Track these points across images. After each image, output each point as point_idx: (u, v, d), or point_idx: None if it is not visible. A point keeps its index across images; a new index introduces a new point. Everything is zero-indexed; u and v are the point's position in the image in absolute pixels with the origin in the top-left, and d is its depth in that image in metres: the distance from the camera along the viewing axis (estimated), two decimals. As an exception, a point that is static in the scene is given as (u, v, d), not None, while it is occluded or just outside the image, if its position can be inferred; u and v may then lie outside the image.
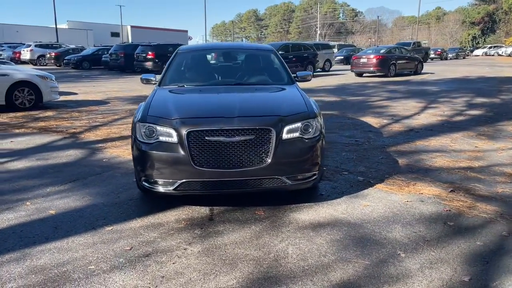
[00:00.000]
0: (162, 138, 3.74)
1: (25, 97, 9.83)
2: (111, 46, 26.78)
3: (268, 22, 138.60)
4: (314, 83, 17.31)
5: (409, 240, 3.29)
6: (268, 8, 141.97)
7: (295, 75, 5.30)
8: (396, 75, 20.63)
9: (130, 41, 73.56)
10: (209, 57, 5.72)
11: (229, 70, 5.45)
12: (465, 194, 4.28)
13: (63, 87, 15.24)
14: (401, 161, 5.49)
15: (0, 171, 5.15)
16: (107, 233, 3.43)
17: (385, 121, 8.42)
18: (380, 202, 4.07)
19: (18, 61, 33.88)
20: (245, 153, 3.65)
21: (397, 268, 2.88)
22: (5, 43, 41.98)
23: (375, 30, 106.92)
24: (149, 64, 22.11)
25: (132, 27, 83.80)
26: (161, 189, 3.77)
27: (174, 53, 5.54)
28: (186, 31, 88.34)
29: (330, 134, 7.12)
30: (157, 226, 3.57)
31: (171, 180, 3.71)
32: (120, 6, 75.95)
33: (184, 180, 3.68)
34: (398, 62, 20.59)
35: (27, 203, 4.09)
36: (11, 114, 9.29)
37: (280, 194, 4.23)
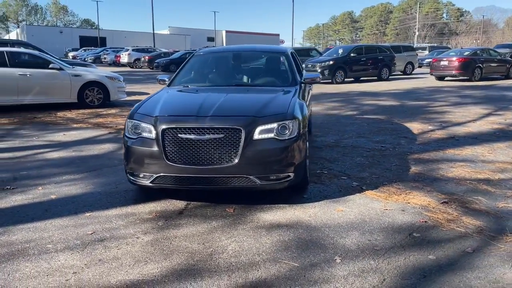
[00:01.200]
0: (144, 134, 4.03)
1: (95, 96, 10.88)
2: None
3: (363, 24, 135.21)
4: (384, 86, 16.69)
5: (356, 247, 3.19)
6: (365, 10, 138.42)
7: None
8: (482, 79, 19.02)
9: (224, 45, 76.70)
10: (220, 59, 5.94)
11: (235, 72, 5.61)
12: (456, 207, 3.98)
13: (140, 87, 16.53)
14: (414, 169, 5.21)
15: (38, 159, 5.88)
16: (83, 218, 3.80)
17: (430, 127, 7.94)
18: (357, 209, 3.95)
19: (118, 64, 37.18)
20: (215, 151, 3.80)
21: (322, 273, 2.84)
22: (110, 48, 46.27)
23: (484, 30, 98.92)
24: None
25: (226, 31, 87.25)
26: (141, 181, 4.07)
27: (190, 55, 5.85)
28: (278, 35, 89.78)
29: (359, 139, 6.94)
30: (129, 215, 3.87)
31: (148, 174, 3.99)
32: (214, 12, 78.84)
33: (159, 174, 3.93)
34: (484, 65, 18.96)
35: (40, 188, 4.64)
36: (80, 111, 10.36)
37: (266, 194, 4.29)
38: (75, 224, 3.68)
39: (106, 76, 11.05)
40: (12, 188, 4.62)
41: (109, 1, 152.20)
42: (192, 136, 3.82)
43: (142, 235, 3.44)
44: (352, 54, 18.96)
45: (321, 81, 18.91)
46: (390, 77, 20.49)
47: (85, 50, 51.19)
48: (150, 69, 32.43)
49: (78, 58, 47.69)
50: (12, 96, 10.09)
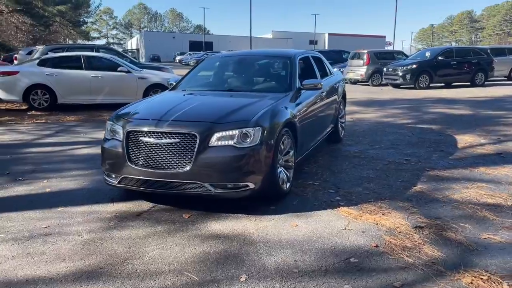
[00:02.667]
0: (116, 136, 4.20)
1: (158, 97, 11.56)
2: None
3: (485, 23, 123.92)
4: (472, 93, 15.14)
5: (274, 267, 2.96)
6: (487, 8, 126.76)
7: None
8: None
9: (326, 48, 75.93)
10: (225, 63, 5.92)
11: (233, 76, 5.56)
12: (428, 233, 3.48)
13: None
14: (418, 187, 4.67)
15: (66, 155, 6.41)
16: (52, 212, 4.05)
17: (482, 141, 7.03)
18: (314, 225, 3.67)
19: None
20: (171, 156, 3.82)
21: (214, 291, 2.70)
22: (210, 52, 48.60)
23: None
24: (309, 70, 22.70)
25: (329, 34, 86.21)
26: (111, 182, 4.24)
27: (200, 60, 5.94)
28: (384, 37, 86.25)
29: (387, 150, 6.41)
30: (93, 213, 4.04)
31: (116, 175, 4.15)
32: (315, 15, 78.30)
33: (123, 176, 4.07)
34: None
35: (45, 181, 5.06)
36: (142, 111, 11.07)
37: (235, 202, 4.14)
38: (41, 217, 3.95)
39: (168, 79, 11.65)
40: (23, 180, 5.11)
41: (219, 8, 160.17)
42: (151, 140, 3.89)
43: (85, 234, 3.57)
44: (439, 58, 17.47)
45: (403, 86, 17.82)
46: (486, 82, 18.50)
47: (190, 54, 54.49)
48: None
49: (183, 61, 51.03)
50: (85, 96, 11.16)
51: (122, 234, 3.56)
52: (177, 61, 54.21)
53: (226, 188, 3.84)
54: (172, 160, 3.82)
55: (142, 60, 76.64)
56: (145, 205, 4.22)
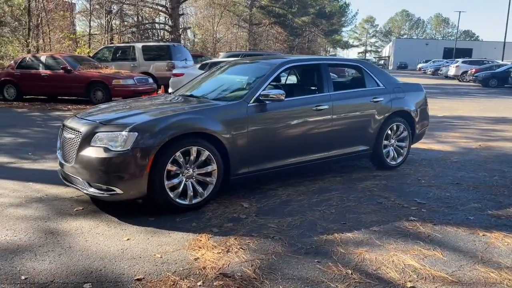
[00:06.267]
0: None
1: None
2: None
3: None
4: None
5: (18, 270, 2.95)
6: None
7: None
8: None
9: None
10: (219, 70, 5.65)
11: (210, 83, 5.33)
12: (218, 285, 2.74)
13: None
14: (345, 235, 3.54)
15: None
16: (20, 185, 4.73)
17: None
18: (140, 245, 3.33)
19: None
20: (69, 150, 4.15)
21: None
22: (450, 60, 43.48)
23: None
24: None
25: None
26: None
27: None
28: None
29: (428, 188, 4.96)
30: (38, 191, 4.57)
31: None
32: None
33: (59, 165, 4.61)
34: None
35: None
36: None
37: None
38: (7, 187, 4.71)
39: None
40: (64, 159, 6.24)
41: (493, 12, 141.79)
42: (64, 134, 4.30)
43: (-5, 205, 4.24)
44: None
45: None
46: None
47: (433, 62, 50.41)
48: (474, 83, 29.16)
49: (422, 70, 47.99)
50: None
51: (13, 212, 3.99)
52: (418, 69, 51.30)
53: (100, 190, 3.86)
54: (69, 154, 4.12)
55: (390, 67, 75.43)
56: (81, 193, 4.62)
